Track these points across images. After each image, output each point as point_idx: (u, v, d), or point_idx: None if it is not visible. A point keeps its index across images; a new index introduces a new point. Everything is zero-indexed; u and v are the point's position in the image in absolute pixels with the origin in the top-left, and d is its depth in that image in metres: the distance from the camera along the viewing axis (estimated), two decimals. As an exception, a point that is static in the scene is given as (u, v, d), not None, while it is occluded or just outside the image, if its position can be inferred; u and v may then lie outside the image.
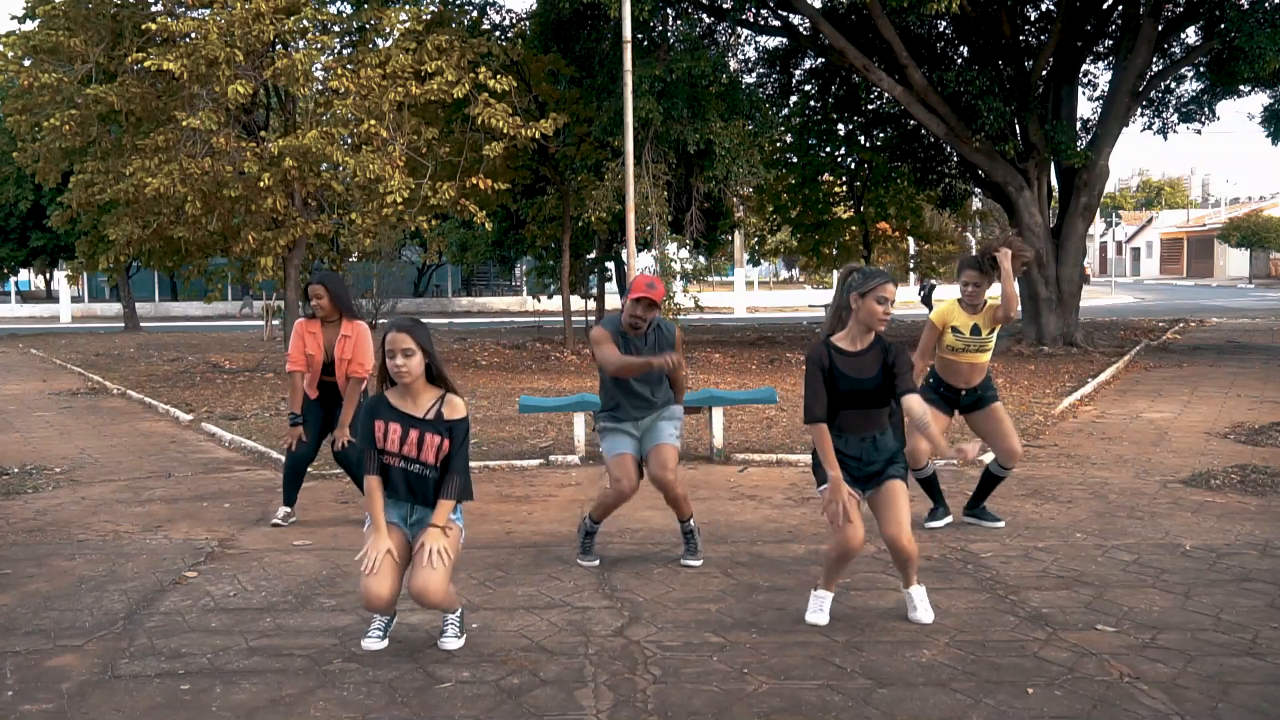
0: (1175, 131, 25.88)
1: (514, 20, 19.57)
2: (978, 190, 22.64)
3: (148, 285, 40.22)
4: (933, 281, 29.89)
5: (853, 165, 24.51)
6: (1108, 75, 21.07)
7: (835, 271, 39.31)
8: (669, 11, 17.19)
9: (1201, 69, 18.19)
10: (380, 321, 18.23)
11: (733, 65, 20.77)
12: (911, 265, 35.04)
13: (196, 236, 14.56)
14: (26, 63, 14.42)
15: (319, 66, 14.00)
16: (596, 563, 5.27)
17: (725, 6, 17.35)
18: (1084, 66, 19.59)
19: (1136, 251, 73.09)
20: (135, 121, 14.29)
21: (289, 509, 6.27)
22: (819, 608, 4.38)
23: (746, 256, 36.32)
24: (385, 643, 4.12)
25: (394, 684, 3.77)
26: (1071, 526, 5.93)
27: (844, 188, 26.20)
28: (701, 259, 21.63)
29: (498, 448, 8.68)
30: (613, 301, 24.68)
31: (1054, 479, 7.26)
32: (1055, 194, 19.59)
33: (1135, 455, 8.13)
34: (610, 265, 23.36)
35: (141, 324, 29.37)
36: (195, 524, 6.24)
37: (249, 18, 12.69)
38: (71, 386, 14.13)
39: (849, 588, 4.75)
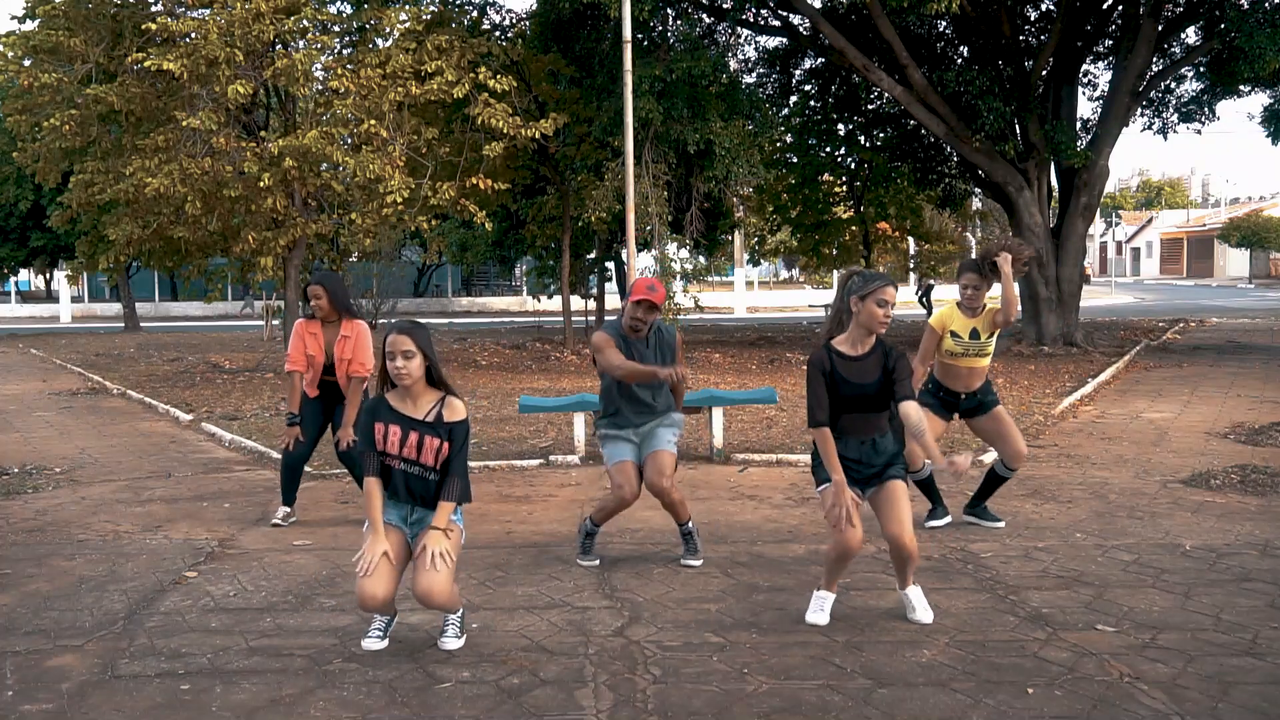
0: (1175, 131, 25.90)
1: (514, 20, 19.58)
2: (978, 190, 22.64)
3: (148, 285, 40.23)
4: (930, 281, 29.92)
5: (853, 165, 24.52)
6: (1108, 75, 21.09)
7: (835, 271, 39.40)
8: (669, 11, 17.18)
9: (1201, 69, 18.19)
10: (380, 322, 18.24)
11: (733, 65, 20.77)
12: (911, 265, 35.04)
13: (196, 236, 14.56)
14: (26, 63, 14.42)
15: (319, 66, 14.01)
16: (596, 563, 5.28)
17: (725, 6, 17.35)
18: (1084, 66, 19.59)
19: (1136, 251, 73.09)
20: (135, 121, 14.29)
21: (288, 509, 6.28)
22: (820, 608, 4.38)
23: (746, 256, 36.32)
24: (385, 643, 4.12)
25: (394, 684, 3.77)
26: (1071, 526, 5.93)
27: (844, 188, 26.20)
28: (701, 259, 21.61)
29: (498, 448, 8.68)
30: (613, 301, 24.72)
31: (1054, 479, 7.26)
32: (1055, 194, 19.59)
33: (1135, 455, 8.14)
34: (610, 265, 23.37)
35: (141, 324, 29.38)
36: (195, 524, 6.24)
37: (249, 18, 12.70)
38: (71, 386, 14.13)
39: (849, 588, 4.75)
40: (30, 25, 14.83)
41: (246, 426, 10.00)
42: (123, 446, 9.22)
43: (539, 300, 29.69)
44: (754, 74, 22.20)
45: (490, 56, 15.25)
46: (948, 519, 5.99)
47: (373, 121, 13.17)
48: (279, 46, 13.91)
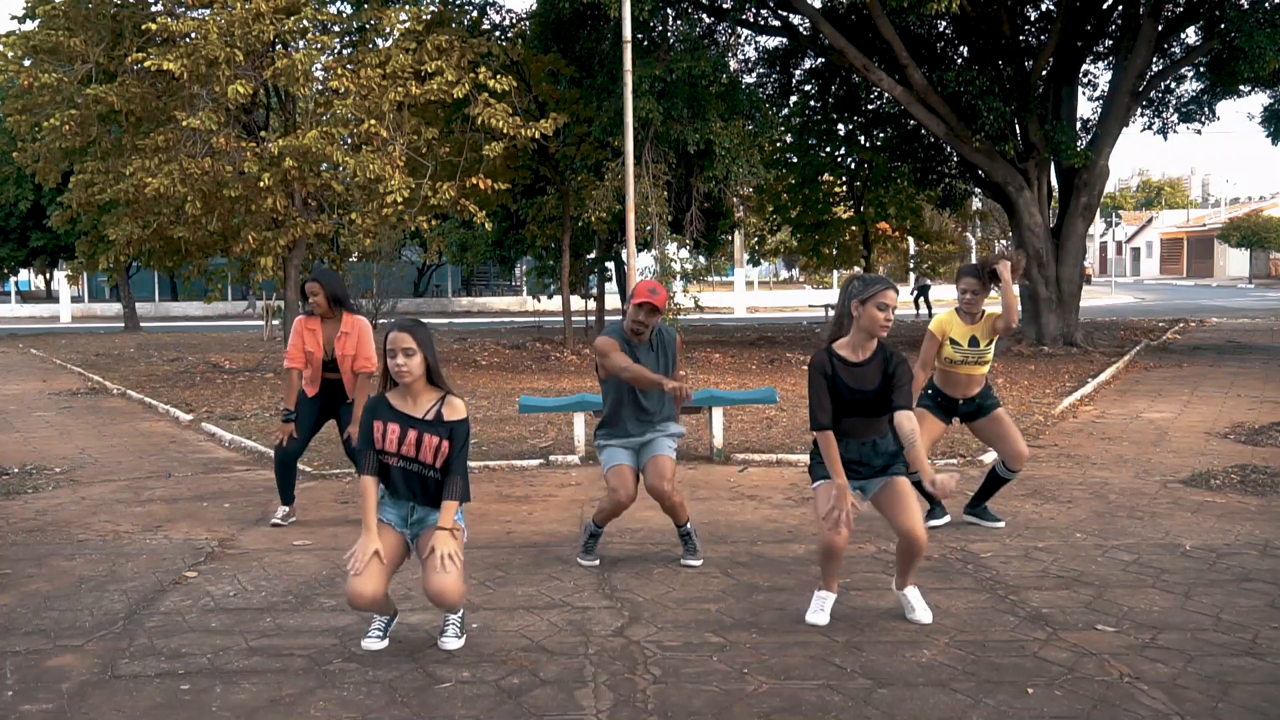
0: (1175, 131, 25.90)
1: (514, 20, 19.57)
2: (978, 190, 22.64)
3: (148, 285, 40.22)
4: (927, 281, 29.88)
5: (853, 165, 24.52)
6: (1108, 75, 21.09)
7: (836, 271, 39.37)
8: (669, 11, 17.18)
9: (1201, 69, 18.19)
10: (380, 321, 18.23)
11: (733, 65, 20.76)
12: (911, 265, 35.05)
13: (196, 236, 14.56)
14: (26, 63, 14.42)
15: (319, 66, 14.01)
16: (596, 563, 5.28)
17: (725, 6, 17.35)
18: (1084, 66, 19.58)
19: (1136, 251, 73.09)
20: (135, 121, 14.29)
21: (288, 508, 6.27)
22: (820, 608, 4.39)
23: (746, 256, 36.31)
24: (385, 643, 4.12)
25: (394, 684, 3.77)
26: (1071, 526, 5.93)
27: (844, 188, 26.21)
28: (701, 259, 21.61)
29: (498, 448, 8.68)
30: (613, 302, 24.72)
31: (1054, 479, 7.26)
32: (1055, 194, 19.58)
33: (1135, 455, 8.14)
34: (610, 265, 23.36)
35: (141, 324, 29.37)
36: (195, 524, 6.24)
37: (249, 18, 12.70)
38: (71, 386, 14.13)
39: (849, 588, 4.75)
40: (30, 25, 14.83)
41: (246, 426, 10.00)
42: (123, 446, 9.22)
43: (539, 300, 29.68)
44: (754, 74, 22.20)
45: (490, 56, 15.25)
46: (947, 519, 6.00)
47: (373, 121, 13.17)
48: (279, 46, 13.91)
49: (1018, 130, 17.48)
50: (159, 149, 13.39)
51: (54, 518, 6.44)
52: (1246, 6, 15.38)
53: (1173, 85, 19.36)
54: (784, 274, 66.30)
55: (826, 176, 25.36)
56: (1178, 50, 19.04)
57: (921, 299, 28.40)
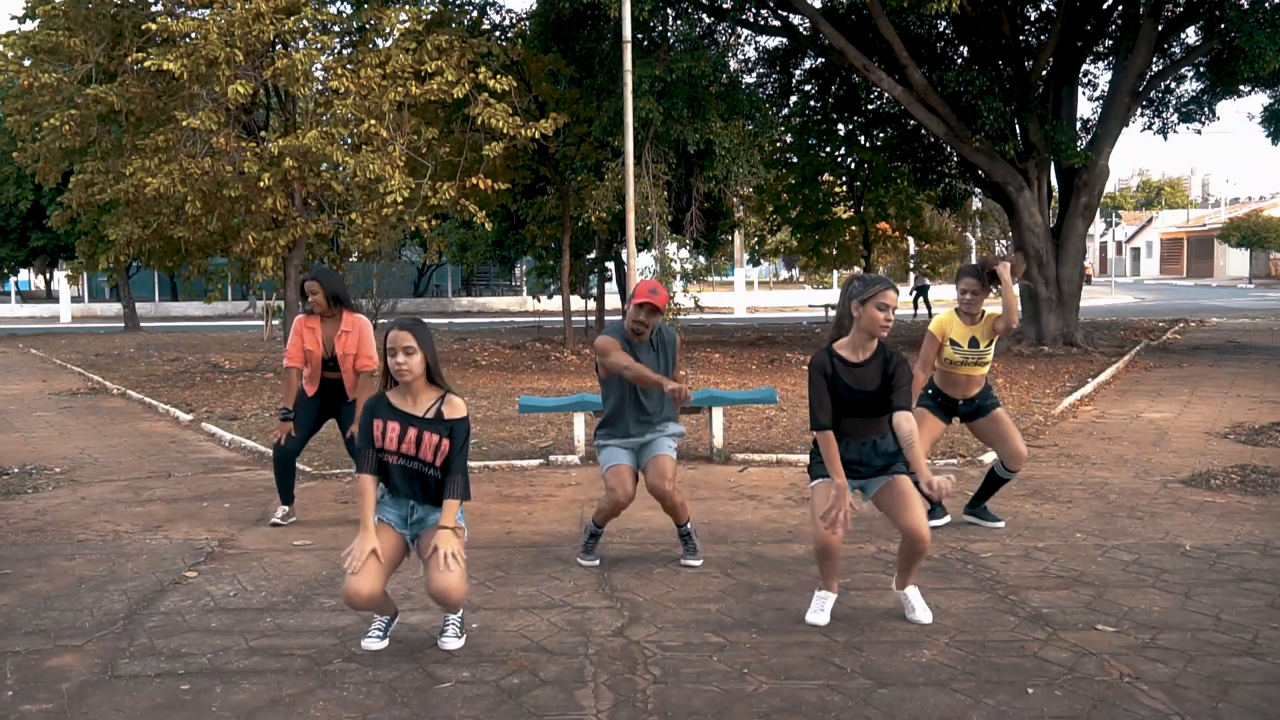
0: (1175, 131, 25.89)
1: (514, 20, 19.57)
2: (978, 190, 22.64)
3: (148, 285, 40.22)
4: (926, 281, 29.83)
5: (853, 165, 24.52)
6: (1108, 75, 21.10)
7: (836, 271, 39.35)
8: (669, 11, 17.18)
9: (1201, 69, 18.18)
10: (380, 321, 18.23)
11: (733, 65, 20.76)
12: (911, 265, 35.07)
13: (196, 236, 14.56)
14: (26, 63, 14.42)
15: (319, 66, 14.01)
16: (596, 563, 5.28)
17: (725, 6, 17.35)
18: (1084, 66, 19.58)
19: (1136, 251, 73.08)
20: (135, 121, 14.29)
21: (287, 508, 6.27)
22: (820, 608, 4.39)
23: (746, 256, 36.31)
24: (385, 643, 4.12)
25: (394, 684, 3.77)
26: (1071, 526, 5.93)
27: (844, 188, 26.20)
28: (701, 259, 21.61)
29: (498, 448, 8.68)
30: (613, 302, 24.71)
31: (1054, 479, 7.26)
32: (1055, 194, 19.59)
33: (1135, 455, 8.14)
34: (610, 265, 23.36)
35: (141, 324, 29.37)
36: (195, 524, 6.24)
37: (249, 18, 12.70)
38: (71, 386, 14.13)
39: (849, 588, 4.75)
40: (30, 25, 14.83)
41: (246, 426, 10.00)
42: (123, 446, 9.22)
43: (539, 300, 29.68)
44: (754, 74, 22.20)
45: (490, 56, 15.25)
46: (947, 519, 6.00)
47: (373, 121, 13.17)
48: (279, 46, 13.91)
49: (1018, 130, 17.48)
50: (159, 149, 13.39)
51: (54, 518, 6.45)
52: (1246, 6, 15.38)
53: (1173, 85, 19.36)
54: (784, 274, 66.30)
55: (826, 176, 25.35)
56: (1178, 50, 19.04)
57: (921, 299, 28.32)
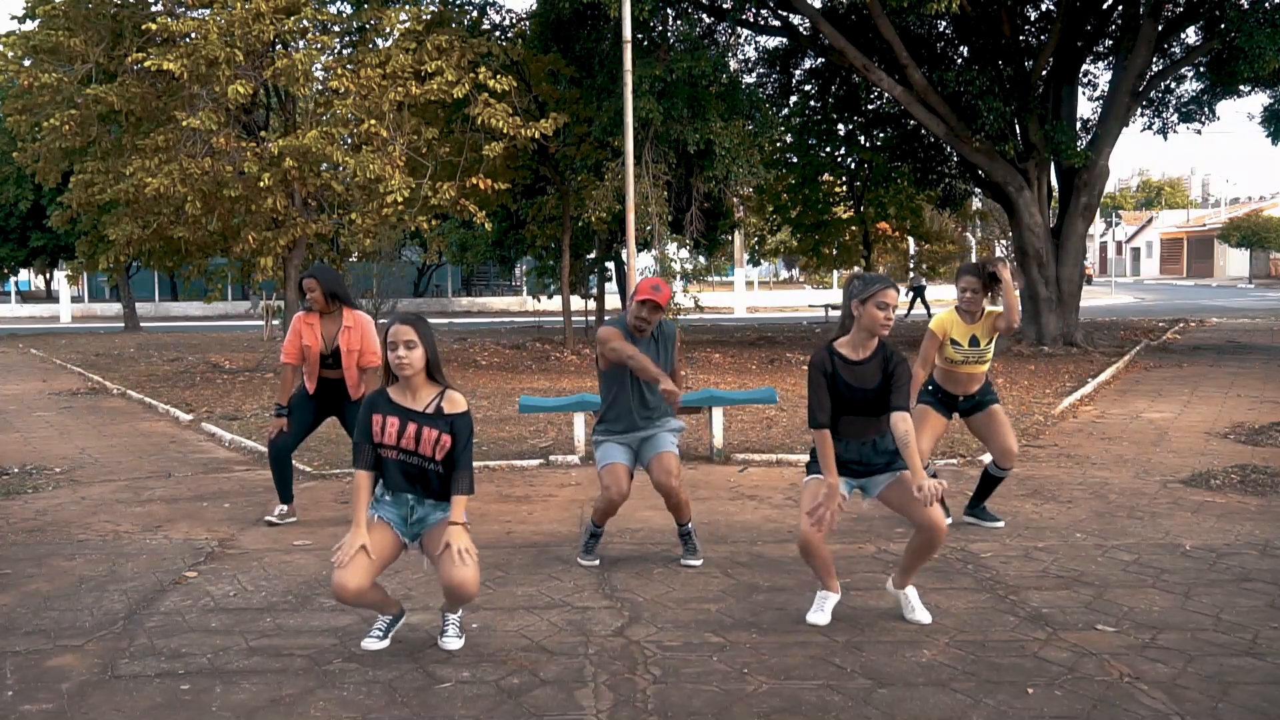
0: (1175, 131, 25.89)
1: (514, 20, 19.57)
2: (978, 190, 22.64)
3: (148, 285, 40.21)
4: (923, 282, 29.77)
5: (853, 165, 24.51)
6: (1108, 75, 21.09)
7: (836, 271, 39.32)
8: (669, 11, 17.18)
9: (1201, 69, 18.18)
10: (380, 321, 18.22)
11: (733, 65, 20.76)
12: (911, 265, 35.06)
13: (196, 236, 14.56)
14: (26, 63, 14.43)
15: (319, 66, 14.01)
16: (596, 562, 5.28)
17: (725, 6, 17.35)
18: (1084, 66, 19.58)
19: (1136, 251, 73.09)
20: (135, 121, 14.30)
21: (286, 507, 6.26)
22: (820, 608, 4.39)
23: (746, 256, 36.31)
24: (386, 643, 4.12)
25: (394, 684, 3.77)
26: (1071, 526, 5.93)
27: (844, 188, 26.20)
28: (701, 259, 21.61)
29: (498, 448, 8.68)
30: (613, 302, 24.72)
31: (1054, 479, 7.26)
32: (1055, 194, 19.59)
33: (1135, 455, 8.13)
34: (610, 265, 23.37)
35: (141, 324, 29.37)
36: (195, 524, 6.24)
37: (249, 18, 12.70)
38: (71, 386, 14.13)
39: (849, 588, 4.75)
40: (30, 25, 14.84)
41: (246, 426, 10.00)
42: (123, 446, 9.22)
43: (539, 300, 29.68)
44: (754, 74, 22.20)
45: (490, 56, 15.25)
46: (948, 519, 5.99)
47: (373, 121, 13.17)
48: (279, 46, 13.91)
49: (1018, 130, 17.48)
50: (159, 149, 13.40)
51: (54, 518, 6.44)
52: (1246, 6, 15.38)
53: (1173, 85, 19.36)
54: (784, 274, 66.30)
55: (826, 176, 25.35)
56: (1178, 50, 19.03)
57: (918, 300, 28.12)
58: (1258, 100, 78.99)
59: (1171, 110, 19.42)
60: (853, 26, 18.29)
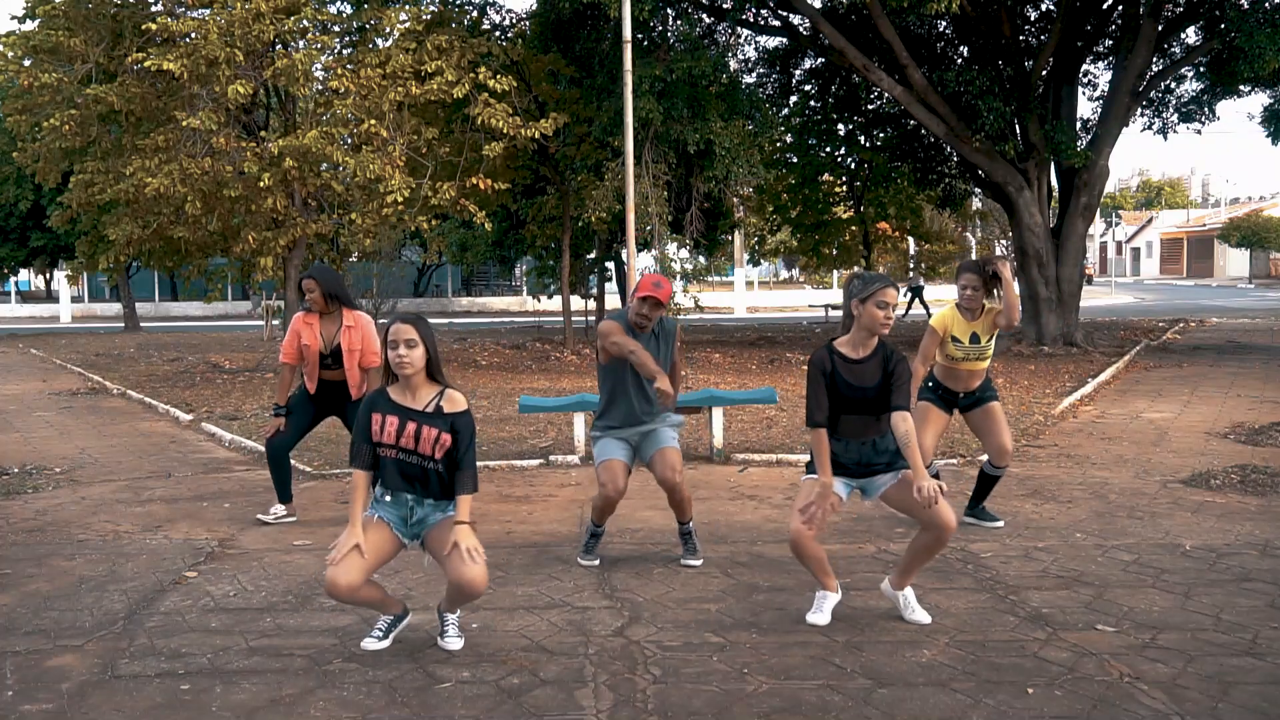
0: (1175, 131, 25.89)
1: (514, 20, 19.58)
2: (978, 190, 22.64)
3: (148, 285, 40.21)
4: (920, 282, 29.72)
5: (853, 165, 24.52)
6: (1108, 75, 21.09)
7: (836, 271, 39.31)
8: (669, 11, 17.18)
9: (1201, 69, 18.18)
10: (380, 321, 18.22)
11: (733, 65, 20.76)
12: (911, 265, 35.07)
13: (196, 236, 14.56)
14: (26, 63, 14.42)
15: (319, 66, 14.01)
16: (596, 562, 5.28)
17: (725, 6, 17.35)
18: (1084, 66, 19.58)
19: (1136, 251, 73.09)
20: (135, 121, 14.29)
21: (284, 507, 6.26)
22: (820, 608, 4.39)
23: (746, 256, 36.31)
24: (387, 643, 4.12)
25: (394, 684, 3.77)
26: (1071, 526, 5.93)
27: (844, 188, 26.20)
28: (701, 259, 21.62)
29: (498, 448, 8.68)
30: (613, 302, 24.70)
31: (1054, 479, 7.26)
32: (1055, 194, 19.59)
33: (1135, 455, 8.13)
34: (610, 265, 23.37)
35: (141, 324, 29.37)
36: (195, 524, 6.24)
37: (249, 18, 12.70)
38: (71, 386, 14.13)
39: (849, 588, 4.75)
40: (30, 25, 14.83)
41: (246, 426, 10.00)
42: (123, 446, 9.22)
43: (539, 300, 29.68)
44: (754, 74, 22.20)
45: (490, 56, 15.25)
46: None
47: (373, 121, 13.17)
48: (279, 46, 13.91)
49: (1018, 130, 17.48)
50: (159, 149, 13.40)
51: (54, 518, 6.44)
52: (1246, 6, 15.38)
53: (1173, 85, 19.36)
54: (784, 274, 66.31)
55: (826, 176, 25.35)
56: (1178, 50, 19.03)
57: (915, 300, 27.97)
58: (1258, 100, 78.99)
59: (1171, 110, 19.42)
60: (853, 26, 18.29)
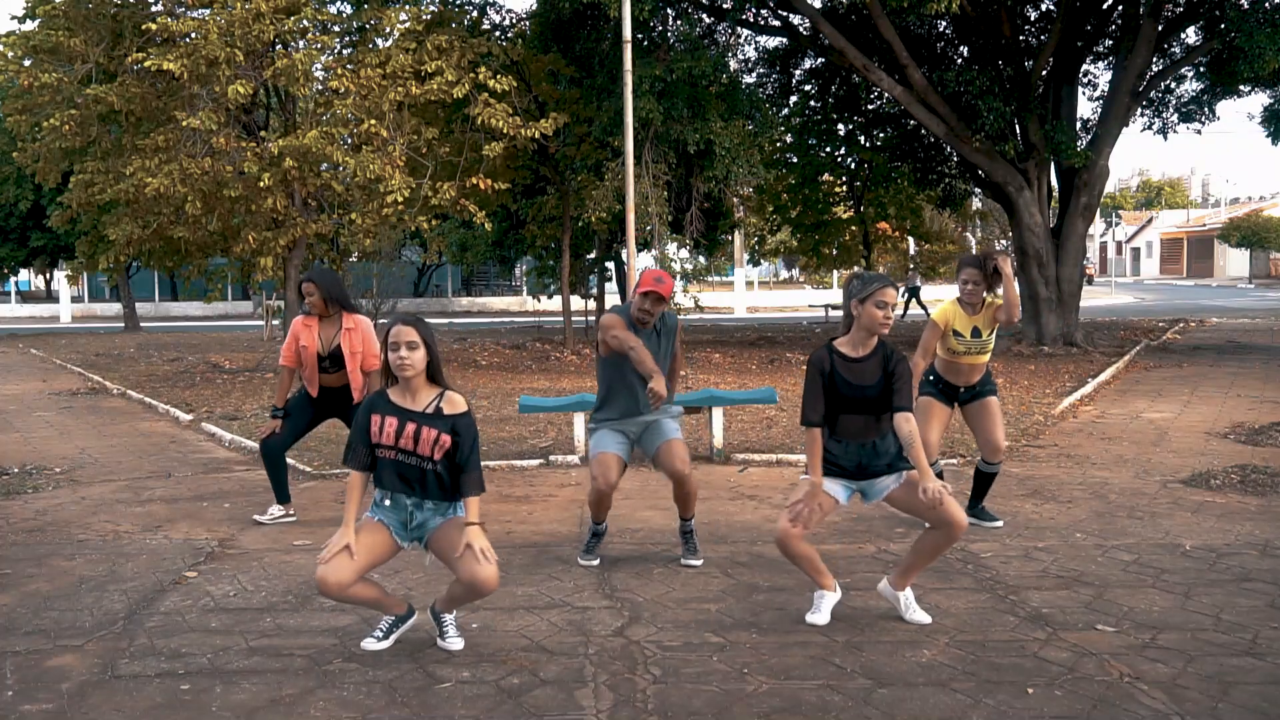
0: (1175, 131, 25.90)
1: (514, 20, 19.58)
2: (978, 190, 22.64)
3: (148, 285, 40.22)
4: (917, 283, 29.70)
5: (853, 165, 24.52)
6: (1108, 75, 21.10)
7: (836, 271, 39.31)
8: (669, 11, 17.19)
9: (1201, 69, 18.19)
10: (380, 321, 18.23)
11: (733, 65, 20.77)
12: (911, 265, 35.08)
13: (196, 236, 14.57)
14: (26, 63, 14.43)
15: (319, 66, 14.01)
16: (596, 562, 5.28)
17: (725, 6, 17.35)
18: (1084, 66, 19.58)
19: (1136, 251, 73.09)
20: (135, 121, 14.30)
21: (282, 507, 6.26)
22: (819, 608, 4.39)
23: (746, 256, 36.31)
24: (387, 643, 4.12)
25: (394, 684, 3.77)
26: (1071, 526, 5.93)
27: (844, 188, 26.21)
28: (701, 259, 21.62)
29: (498, 448, 8.68)
30: (612, 302, 24.67)
31: (1054, 479, 7.26)
32: (1055, 194, 19.59)
33: (1135, 455, 8.13)
34: (610, 265, 23.37)
35: (141, 324, 29.37)
36: (195, 524, 6.24)
37: (249, 18, 12.70)
38: (71, 386, 14.13)
39: (849, 588, 4.75)
40: (30, 25, 14.84)
41: (246, 426, 10.00)
42: (123, 446, 9.22)
43: (539, 300, 29.68)
44: (754, 74, 22.20)
45: (490, 56, 15.25)
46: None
47: (373, 121, 13.17)
48: (279, 46, 13.91)
49: (1018, 130, 17.48)
50: (159, 149, 13.40)
51: (54, 518, 6.44)
52: (1246, 6, 15.39)
53: (1173, 85, 19.36)
54: (784, 274, 66.31)
55: (826, 176, 25.36)
56: (1178, 50, 19.04)
57: (913, 300, 27.93)
58: (1258, 100, 79.07)
59: (1171, 110, 19.42)
60: (853, 26, 18.29)
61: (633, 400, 5.17)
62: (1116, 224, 57.68)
